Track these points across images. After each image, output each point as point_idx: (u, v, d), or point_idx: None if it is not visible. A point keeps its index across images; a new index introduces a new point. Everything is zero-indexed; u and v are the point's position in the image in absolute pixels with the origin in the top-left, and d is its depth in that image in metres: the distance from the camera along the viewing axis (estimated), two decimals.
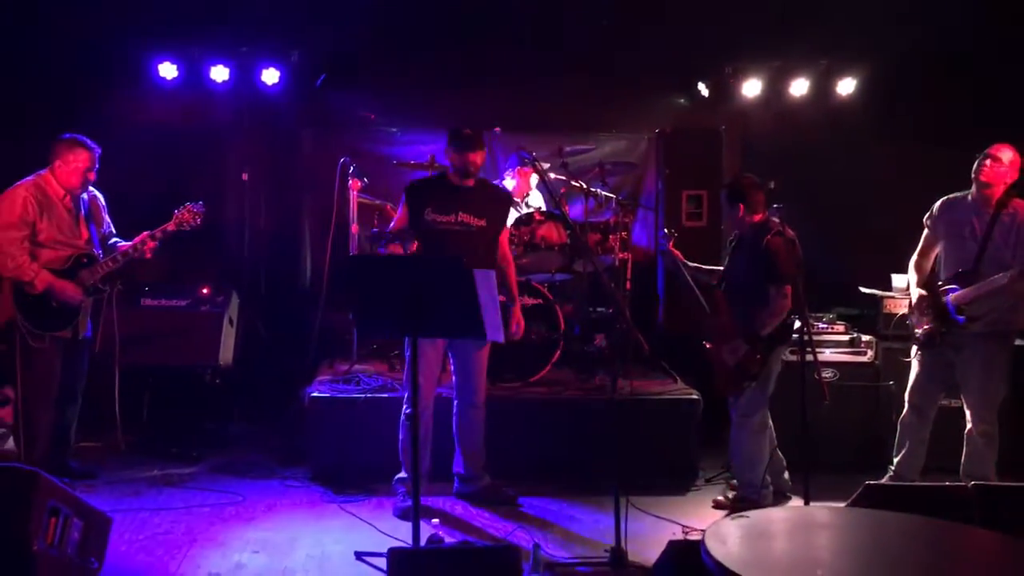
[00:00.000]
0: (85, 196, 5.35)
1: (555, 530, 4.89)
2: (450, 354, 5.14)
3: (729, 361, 5.04)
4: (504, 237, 5.23)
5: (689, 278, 5.41)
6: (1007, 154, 4.95)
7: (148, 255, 5.37)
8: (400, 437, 5.08)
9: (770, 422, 5.20)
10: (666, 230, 5.68)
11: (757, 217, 5.11)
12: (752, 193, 5.10)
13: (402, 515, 4.94)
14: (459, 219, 4.95)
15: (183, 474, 5.67)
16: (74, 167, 5.17)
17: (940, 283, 5.09)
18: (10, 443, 5.39)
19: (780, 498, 5.25)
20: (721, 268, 5.40)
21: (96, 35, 6.87)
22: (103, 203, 5.52)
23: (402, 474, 5.13)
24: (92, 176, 5.26)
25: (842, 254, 6.94)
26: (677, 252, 5.51)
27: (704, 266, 5.49)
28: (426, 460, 5.01)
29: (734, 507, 5.16)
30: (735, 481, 5.31)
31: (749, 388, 5.06)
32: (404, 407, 5.04)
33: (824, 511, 3.48)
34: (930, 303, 5.08)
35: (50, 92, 6.89)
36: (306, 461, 5.74)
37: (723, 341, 5.09)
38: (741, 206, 5.10)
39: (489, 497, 5.19)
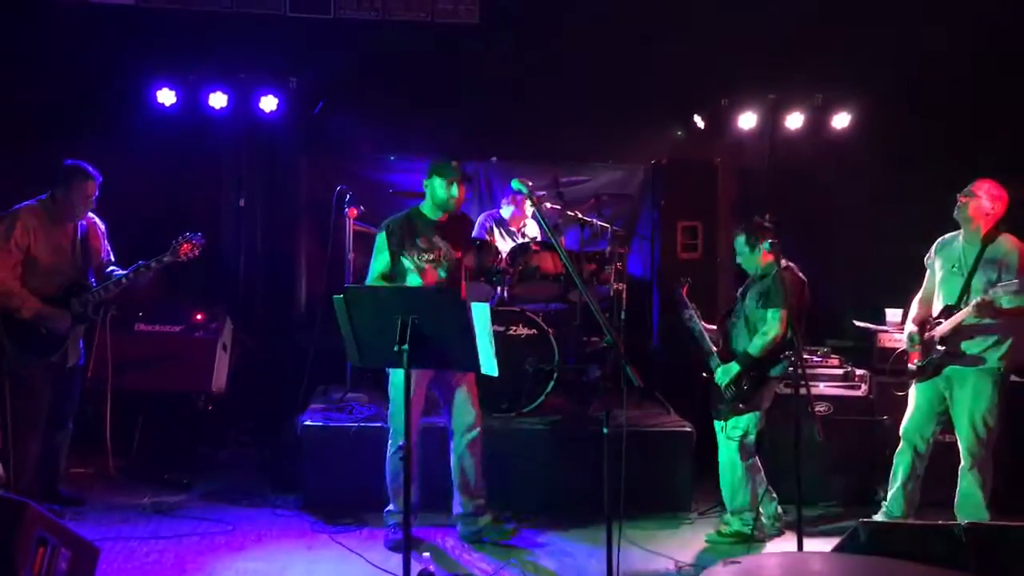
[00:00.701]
0: (83, 222, 5.33)
1: (547, 564, 4.86)
2: (435, 389, 5.10)
3: (720, 380, 5.14)
4: (468, 268, 5.31)
5: (699, 325, 5.40)
6: (985, 187, 4.99)
7: (143, 287, 5.33)
8: (387, 470, 5.04)
9: (756, 456, 5.20)
10: (681, 279, 5.67)
11: (771, 258, 5.14)
12: (769, 231, 5.15)
13: (393, 547, 4.91)
14: (440, 253, 4.96)
15: (173, 502, 5.63)
16: (75, 194, 5.16)
17: (932, 319, 5.12)
18: None
19: (774, 534, 5.23)
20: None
21: (96, 61, 6.92)
22: (103, 230, 5.50)
23: (391, 506, 5.09)
24: (92, 204, 5.24)
25: (836, 287, 6.97)
26: (693, 304, 5.48)
27: (709, 326, 5.49)
28: (415, 493, 4.97)
29: (729, 542, 5.16)
30: (727, 516, 5.29)
31: (741, 409, 5.12)
32: (389, 441, 5.00)
33: (817, 558, 3.47)
34: (919, 338, 5.12)
35: (49, 116, 6.92)
36: (298, 489, 5.71)
37: (718, 362, 5.21)
38: (760, 244, 5.14)
39: (491, 535, 5.10)
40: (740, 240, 5.26)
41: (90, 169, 5.21)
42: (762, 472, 5.24)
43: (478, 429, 5.08)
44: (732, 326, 5.30)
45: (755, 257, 5.18)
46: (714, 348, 5.30)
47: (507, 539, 5.10)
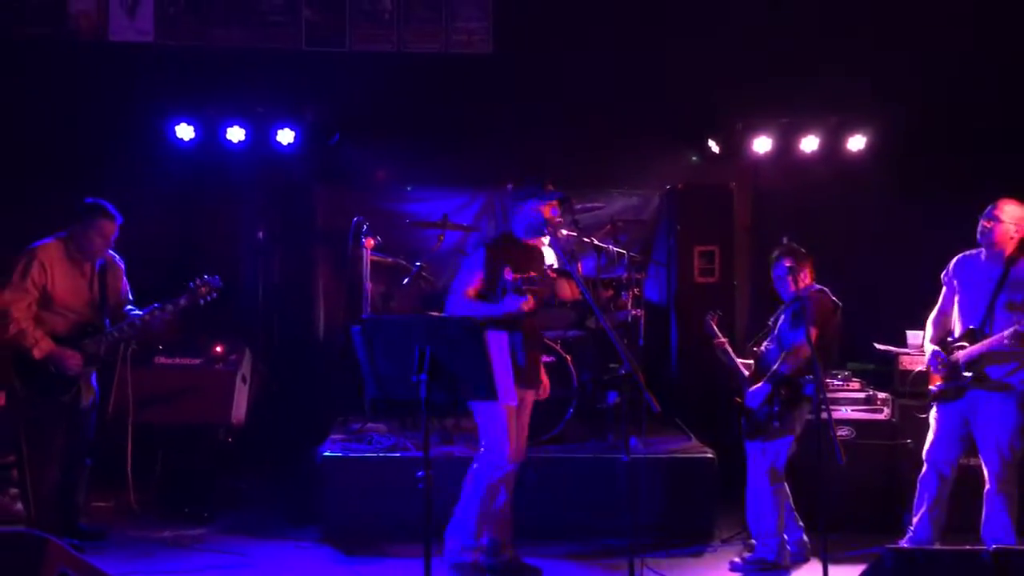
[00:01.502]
0: (102, 259, 5.34)
1: None
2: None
3: (753, 403, 5.11)
4: None
5: (732, 357, 5.41)
6: (1009, 209, 4.94)
7: (158, 328, 5.32)
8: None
9: (785, 482, 5.15)
10: (711, 312, 5.66)
11: (807, 282, 5.19)
12: (807, 259, 5.22)
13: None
14: (531, 275, 4.89)
15: (194, 535, 5.64)
16: (94, 232, 5.17)
17: (953, 340, 5.08)
18: (20, 504, 5.36)
19: (799, 561, 5.17)
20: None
21: (114, 98, 7.01)
22: (123, 267, 5.51)
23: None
24: (111, 243, 5.26)
25: (855, 310, 6.91)
26: (723, 339, 5.49)
27: (744, 361, 5.48)
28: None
29: (753, 569, 5.10)
30: (752, 541, 5.24)
31: (774, 431, 5.08)
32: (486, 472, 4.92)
33: None
34: (942, 360, 5.06)
35: (69, 154, 7.02)
36: (318, 520, 5.69)
37: (751, 386, 5.20)
38: (802, 271, 5.15)
39: (512, 572, 5.00)
40: (781, 265, 5.24)
41: (111, 208, 5.22)
42: (790, 499, 5.19)
43: (517, 464, 5.00)
44: (765, 351, 5.28)
45: (792, 281, 5.16)
46: (747, 373, 5.28)
47: None
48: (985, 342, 4.86)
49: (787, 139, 7.46)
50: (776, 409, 5.06)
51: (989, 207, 4.99)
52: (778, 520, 5.10)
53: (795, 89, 7.31)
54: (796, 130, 7.46)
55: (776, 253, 5.29)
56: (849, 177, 7.44)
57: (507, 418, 4.81)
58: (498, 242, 5.07)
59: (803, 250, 5.24)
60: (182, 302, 5.25)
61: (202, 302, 5.29)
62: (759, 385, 5.14)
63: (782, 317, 5.25)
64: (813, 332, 4.91)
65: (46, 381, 5.09)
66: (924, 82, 6.90)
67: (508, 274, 4.82)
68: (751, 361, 5.38)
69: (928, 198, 7.10)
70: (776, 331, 5.26)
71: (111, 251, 5.39)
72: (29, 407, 5.06)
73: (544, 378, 5.19)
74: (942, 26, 6.99)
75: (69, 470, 5.28)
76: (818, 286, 5.18)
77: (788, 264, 5.15)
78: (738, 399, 5.34)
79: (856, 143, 7.42)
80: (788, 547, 5.14)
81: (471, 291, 4.92)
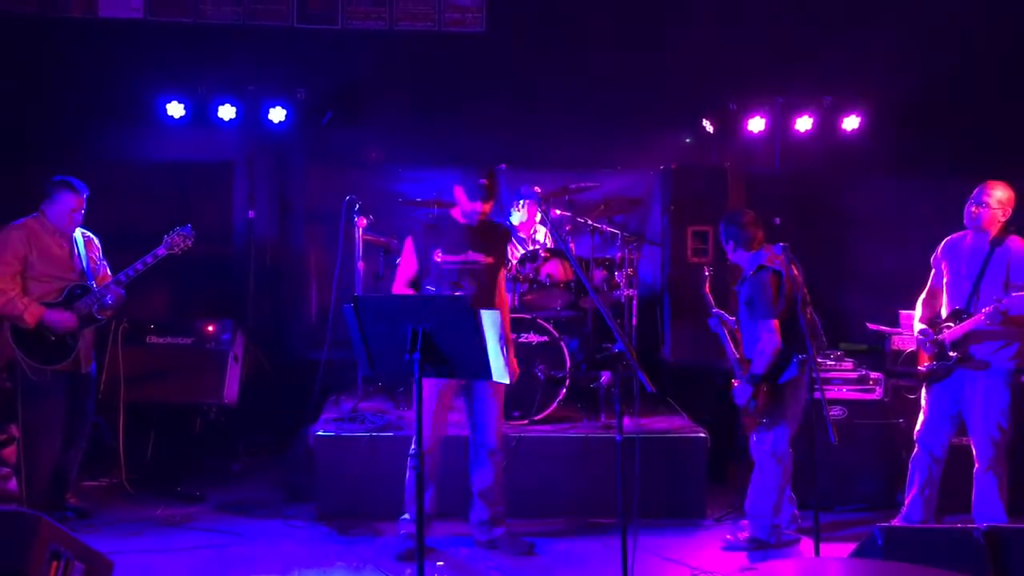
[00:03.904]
0: (79, 237, 5.39)
1: (561, 573, 4.84)
2: (463, 398, 5.09)
3: (739, 401, 5.07)
4: (502, 275, 5.21)
5: (725, 339, 5.35)
6: (996, 194, 4.94)
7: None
8: (407, 477, 5.02)
9: (789, 464, 5.15)
10: (705, 272, 5.63)
11: (748, 254, 5.09)
12: (740, 228, 5.07)
13: (402, 556, 4.89)
14: (469, 257, 4.94)
15: (186, 514, 5.63)
16: (61, 208, 5.24)
17: (940, 320, 5.10)
18: (12, 483, 5.35)
19: (791, 540, 5.19)
20: None
21: (105, 75, 6.95)
22: (98, 245, 5.56)
23: (405, 515, 5.07)
24: (79, 216, 5.31)
25: (847, 290, 6.94)
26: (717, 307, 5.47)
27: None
28: (431, 502, 4.95)
29: (746, 548, 5.13)
30: (745, 520, 5.25)
31: (763, 425, 5.06)
32: (411, 447, 4.99)
33: (833, 564, 3.44)
34: (930, 340, 5.08)
35: (59, 131, 6.95)
36: (311, 499, 5.69)
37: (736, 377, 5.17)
38: (731, 242, 5.11)
39: (505, 546, 5.06)
40: (721, 235, 5.18)
41: (76, 183, 5.28)
42: (789, 482, 5.19)
43: (495, 447, 5.04)
44: (743, 333, 5.26)
45: (731, 250, 5.10)
46: (736, 355, 5.26)
47: (522, 553, 5.04)
48: (969, 321, 4.89)
49: (781, 119, 7.46)
50: (760, 404, 5.00)
51: (977, 191, 4.99)
52: (775, 502, 5.11)
53: (789, 69, 7.29)
54: (790, 111, 7.45)
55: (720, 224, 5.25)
56: (843, 158, 7.44)
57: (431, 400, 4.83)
58: (429, 226, 5.06)
59: (740, 214, 5.12)
60: (160, 252, 5.30)
61: (177, 251, 5.33)
62: (739, 385, 5.09)
63: (739, 294, 5.17)
64: (774, 324, 4.86)
65: (46, 349, 5.15)
66: (919, 63, 6.88)
67: (436, 256, 4.89)
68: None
69: (922, 179, 7.10)
70: (738, 313, 5.21)
71: (86, 230, 5.43)
72: (32, 375, 5.09)
73: (514, 363, 5.13)
74: (938, 6, 6.96)
75: (69, 445, 5.31)
76: (766, 253, 4.98)
77: (720, 229, 5.14)
78: (735, 381, 5.30)
79: (851, 123, 7.41)
80: (780, 525, 5.16)
81: (402, 281, 5.01)
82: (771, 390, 5.00)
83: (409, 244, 5.05)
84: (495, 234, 5.13)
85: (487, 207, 4.95)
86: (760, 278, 4.95)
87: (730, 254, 5.18)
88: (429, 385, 4.80)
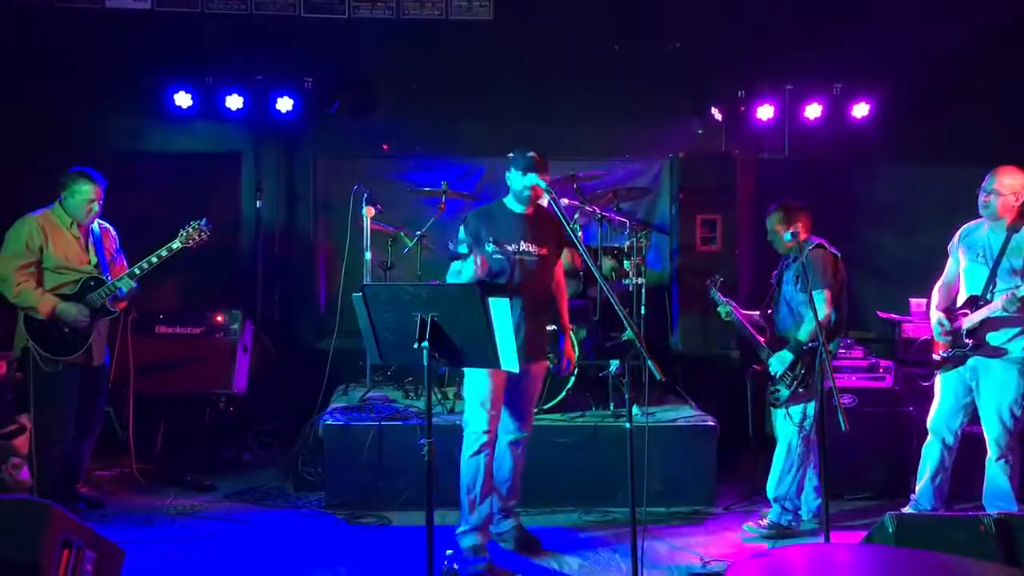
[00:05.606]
0: (96, 228, 5.38)
1: (571, 560, 4.84)
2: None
3: (776, 369, 5.12)
4: (559, 264, 5.08)
5: (746, 325, 5.38)
6: (1006, 180, 4.90)
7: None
8: (462, 474, 4.78)
9: (812, 445, 5.14)
10: (711, 278, 5.62)
11: (804, 236, 5.15)
12: (808, 213, 5.20)
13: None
14: (522, 248, 4.79)
15: (196, 503, 5.65)
16: (79, 199, 5.22)
17: (956, 308, 5.07)
18: (24, 473, 5.38)
19: (811, 529, 5.20)
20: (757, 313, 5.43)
21: (112, 65, 6.94)
22: (115, 235, 5.55)
23: (463, 526, 4.82)
24: (97, 208, 5.28)
25: (857, 277, 6.90)
26: (727, 299, 5.46)
27: (751, 313, 5.46)
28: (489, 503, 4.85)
29: (766, 533, 5.15)
30: (770, 508, 5.24)
31: (800, 396, 5.09)
32: (464, 442, 4.80)
33: (844, 550, 3.43)
34: (946, 328, 5.06)
35: (67, 121, 6.96)
36: (320, 488, 5.71)
37: (769, 353, 5.20)
38: (800, 225, 5.11)
39: (514, 540, 4.99)
40: (773, 219, 5.22)
41: (93, 174, 5.26)
42: (813, 468, 5.19)
43: (526, 433, 4.95)
44: (775, 313, 5.28)
45: (787, 237, 5.12)
46: (762, 339, 5.26)
47: (531, 547, 4.97)
48: (985, 307, 4.87)
49: (790, 106, 7.40)
50: (802, 373, 5.05)
51: (987, 178, 4.96)
52: (798, 486, 5.13)
53: (798, 56, 7.24)
54: (800, 98, 7.40)
55: (769, 208, 5.29)
56: (853, 145, 7.39)
57: (490, 388, 4.71)
58: (481, 213, 4.93)
59: (798, 203, 5.21)
60: (175, 245, 5.28)
61: (192, 244, 5.30)
62: (781, 352, 5.12)
63: (785, 276, 5.24)
64: (827, 295, 4.95)
65: (59, 341, 5.14)
66: (929, 50, 6.83)
67: (490, 245, 4.76)
68: (757, 312, 5.37)
69: (932, 166, 7.05)
70: (781, 293, 5.24)
71: (103, 221, 5.41)
72: (45, 366, 5.09)
73: (570, 351, 5.09)
74: None
75: (80, 438, 5.32)
76: (816, 239, 5.15)
77: (780, 216, 5.16)
78: (758, 367, 5.33)
79: (860, 110, 7.35)
80: (802, 515, 5.17)
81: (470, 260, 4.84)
82: (813, 361, 5.00)
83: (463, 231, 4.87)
84: (550, 224, 4.95)
85: (544, 179, 4.75)
86: (819, 253, 5.08)
87: (785, 241, 5.14)
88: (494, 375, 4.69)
